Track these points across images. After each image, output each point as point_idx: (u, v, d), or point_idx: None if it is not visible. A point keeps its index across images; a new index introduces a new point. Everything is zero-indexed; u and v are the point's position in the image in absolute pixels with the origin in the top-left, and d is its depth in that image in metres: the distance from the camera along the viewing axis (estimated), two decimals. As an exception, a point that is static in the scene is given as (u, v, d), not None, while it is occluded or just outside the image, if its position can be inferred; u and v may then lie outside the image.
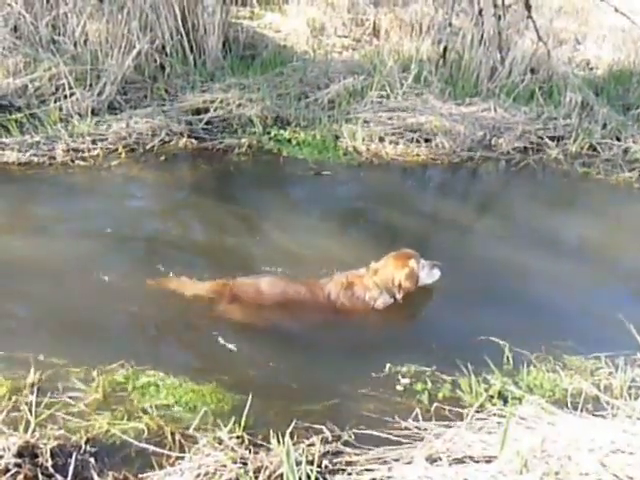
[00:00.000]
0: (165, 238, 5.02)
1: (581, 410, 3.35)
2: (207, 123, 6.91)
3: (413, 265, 4.21)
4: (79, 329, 3.89)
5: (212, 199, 5.77)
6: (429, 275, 4.35)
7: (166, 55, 7.73)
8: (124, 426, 3.22)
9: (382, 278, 4.21)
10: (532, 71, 8.07)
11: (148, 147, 6.45)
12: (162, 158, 6.34)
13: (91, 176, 6.00)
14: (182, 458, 2.99)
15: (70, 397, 3.36)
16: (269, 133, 6.87)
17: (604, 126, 7.29)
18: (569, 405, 3.47)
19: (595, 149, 7.05)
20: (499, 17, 7.95)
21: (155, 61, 7.62)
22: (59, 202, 5.51)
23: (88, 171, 6.06)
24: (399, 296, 4.22)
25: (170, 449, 3.10)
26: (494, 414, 3.34)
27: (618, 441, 2.96)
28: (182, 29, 7.73)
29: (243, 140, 6.67)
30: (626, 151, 6.98)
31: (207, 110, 7.04)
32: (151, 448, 3.08)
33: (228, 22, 8.41)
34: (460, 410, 3.41)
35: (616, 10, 7.94)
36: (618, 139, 7.17)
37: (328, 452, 3.08)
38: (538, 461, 2.81)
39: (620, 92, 8.05)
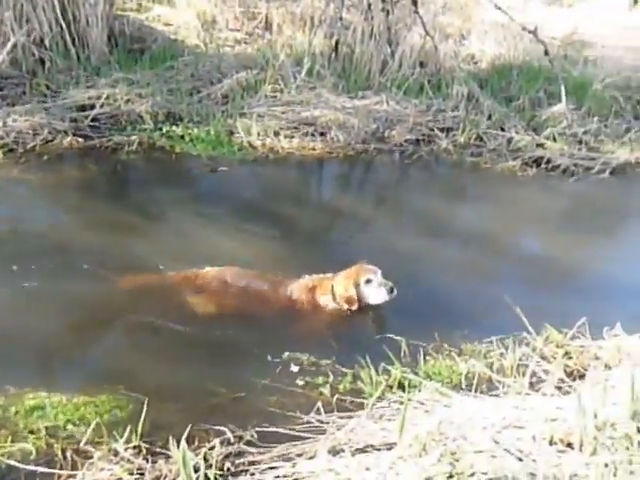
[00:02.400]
0: (51, 244, 4.72)
1: (475, 391, 3.47)
2: (94, 120, 6.61)
3: (358, 281, 4.14)
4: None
5: (101, 200, 5.50)
6: (375, 295, 4.16)
7: (45, 48, 7.32)
8: (8, 449, 2.98)
9: (336, 286, 4.19)
10: (421, 65, 8.32)
11: (29, 147, 6.08)
12: (45, 158, 5.99)
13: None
14: (74, 476, 2.82)
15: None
16: (161, 129, 6.67)
17: (489, 117, 7.63)
18: (464, 388, 3.58)
19: (482, 139, 7.37)
20: (387, 12, 8.13)
21: (33, 55, 7.21)
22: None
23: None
24: (346, 306, 4.17)
25: (62, 468, 2.91)
26: (394, 402, 3.39)
27: (509, 417, 3.09)
28: (62, 21, 7.34)
29: (133, 137, 6.43)
30: (510, 141, 7.34)
31: (93, 106, 6.74)
32: (40, 469, 2.88)
33: (113, 14, 8.08)
34: (361, 401, 3.43)
35: (496, 7, 8.31)
36: (502, 129, 7.52)
37: (230, 453, 3.00)
38: (436, 443, 2.88)
39: (503, 85, 8.44)
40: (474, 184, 6.65)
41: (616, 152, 7.26)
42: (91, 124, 6.56)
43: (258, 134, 6.73)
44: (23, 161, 5.90)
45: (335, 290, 4.18)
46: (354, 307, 4.15)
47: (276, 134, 6.83)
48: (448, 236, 5.33)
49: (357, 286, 4.13)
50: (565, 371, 3.73)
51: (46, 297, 4.13)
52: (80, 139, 6.32)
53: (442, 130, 7.40)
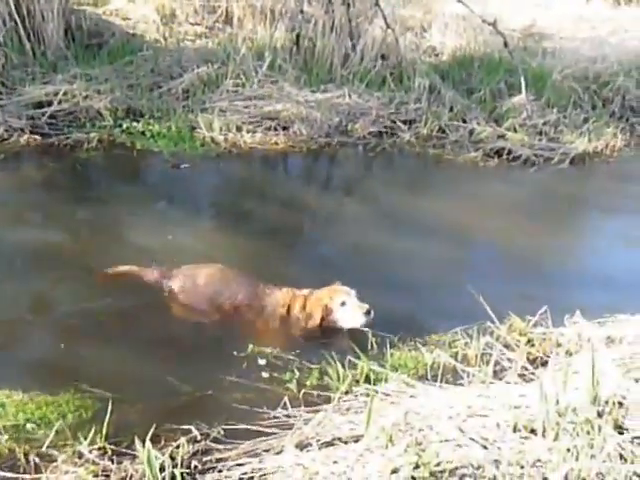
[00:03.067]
0: (10, 243, 4.61)
1: (440, 381, 3.50)
2: (51, 117, 6.48)
3: (331, 304, 3.95)
4: None
5: (61, 199, 5.39)
6: (350, 319, 3.94)
7: (-1, 45, 7.11)
8: (-35, 455, 2.92)
9: (308, 305, 4.00)
10: (383, 57, 8.33)
11: (-16, 145, 5.92)
12: (1, 157, 5.84)
13: None
14: (38, 480, 2.77)
15: None
16: (121, 126, 6.57)
17: (451, 109, 7.70)
18: (430, 378, 3.61)
19: (444, 131, 7.43)
20: (348, 5, 8.12)
21: (-13, 51, 6.99)
22: None
23: None
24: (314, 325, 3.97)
25: (25, 472, 2.85)
26: (361, 394, 3.39)
27: (474, 406, 3.13)
28: (16, 15, 7.14)
29: (92, 134, 6.31)
30: (471, 132, 7.42)
31: (50, 103, 6.59)
32: (3, 474, 2.82)
33: (69, 8, 7.90)
34: (328, 394, 3.43)
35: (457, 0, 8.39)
36: (464, 121, 7.60)
37: (198, 451, 2.98)
38: (402, 434, 2.91)
39: (464, 77, 8.50)
40: (437, 176, 6.71)
41: (575, 142, 7.39)
42: (49, 121, 6.42)
43: (220, 129, 6.67)
44: (-21, 160, 5.75)
45: (305, 310, 3.99)
46: (315, 327, 3.96)
47: (238, 129, 6.78)
48: (412, 228, 5.36)
49: (328, 310, 3.93)
50: (528, 359, 3.80)
51: (8, 294, 4.05)
52: (37, 137, 6.19)
53: (405, 122, 7.44)
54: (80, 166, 5.94)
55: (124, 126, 6.56)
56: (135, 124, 6.60)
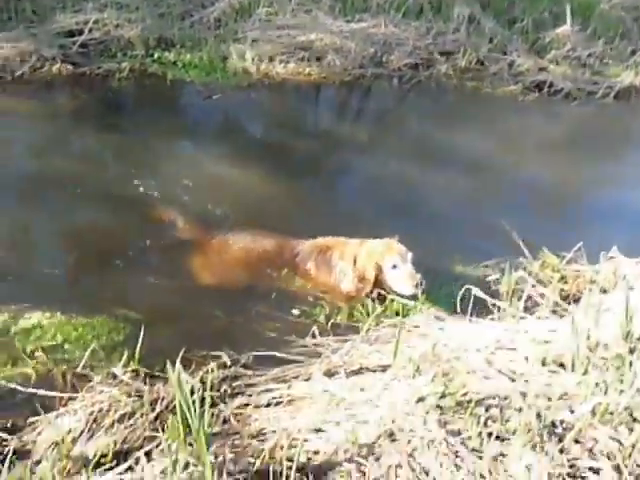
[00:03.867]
0: (46, 175, 4.66)
1: (470, 315, 3.48)
2: (82, 46, 6.40)
3: (381, 263, 3.60)
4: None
5: (95, 129, 5.38)
6: (399, 285, 3.60)
7: (29, -28, 6.98)
8: (9, 372, 3.03)
9: (358, 259, 3.65)
10: (421, -15, 7.97)
11: (17, 74, 5.92)
12: (34, 86, 5.83)
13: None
14: (75, 398, 2.87)
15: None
16: (152, 56, 6.48)
17: (491, 40, 7.40)
18: (460, 312, 3.58)
19: (483, 63, 7.17)
20: None
21: (17, -21, 6.87)
22: None
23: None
24: (360, 286, 3.65)
25: (62, 391, 2.96)
26: (389, 326, 3.41)
27: (503, 339, 3.12)
28: (46, -59, 6.97)
29: (124, 64, 6.25)
30: (511, 64, 7.14)
31: (81, 32, 6.50)
32: (41, 392, 2.93)
33: None
34: (357, 325, 3.46)
35: None
36: (504, 53, 7.31)
37: (227, 377, 3.04)
38: (430, 364, 2.92)
39: (505, 6, 8.12)
40: (474, 109, 6.49)
41: (620, 76, 7.08)
42: (80, 50, 6.35)
43: (252, 59, 6.53)
44: (12, 89, 5.75)
45: (356, 263, 3.65)
46: (367, 289, 3.66)
47: (271, 59, 6.63)
48: (447, 162, 5.26)
49: (379, 269, 3.61)
50: (560, 295, 3.74)
51: (44, 224, 4.13)
52: (69, 66, 6.14)
53: (442, 54, 7.18)
54: (112, 96, 5.91)
55: (156, 56, 6.48)
56: (167, 54, 6.51)
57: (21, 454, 2.55)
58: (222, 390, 2.93)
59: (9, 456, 2.44)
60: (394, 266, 3.58)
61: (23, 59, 6.04)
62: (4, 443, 2.60)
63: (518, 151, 5.63)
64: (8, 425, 2.74)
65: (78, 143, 5.20)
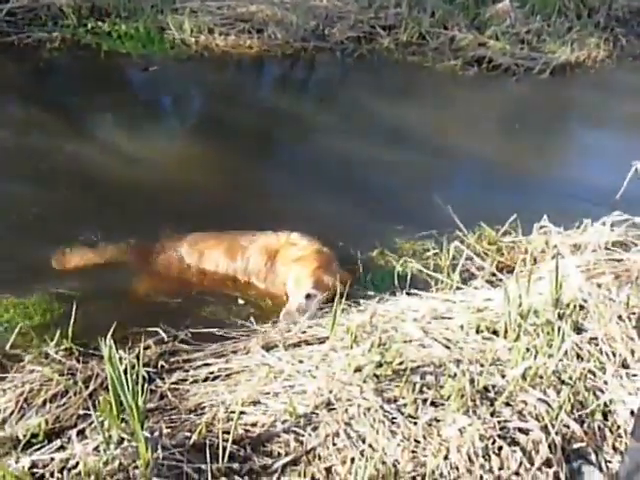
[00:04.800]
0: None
1: (408, 288, 3.52)
2: (9, 15, 6.11)
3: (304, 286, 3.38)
4: None
5: (23, 101, 5.20)
6: (291, 304, 3.37)
7: None
8: None
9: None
10: (362, -43, 7.90)
11: (-63, 43, 5.60)
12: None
13: None
14: (4, 379, 2.78)
15: None
16: (85, 26, 6.24)
17: (432, 15, 7.40)
18: (398, 286, 3.62)
19: (424, 38, 7.18)
20: None
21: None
22: None
23: None
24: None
25: (-10, 372, 2.86)
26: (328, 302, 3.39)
27: (439, 309, 3.19)
28: None
29: (55, 34, 6.00)
30: (452, 40, 7.18)
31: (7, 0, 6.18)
32: (-32, 373, 2.83)
33: None
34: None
35: None
36: (445, 28, 7.33)
37: (165, 352, 3.00)
38: (367, 335, 2.95)
39: (447, -19, 8.14)
40: (415, 83, 6.52)
41: (557, 52, 7.21)
42: (7, 19, 6.05)
43: (191, 31, 6.37)
44: None
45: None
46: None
47: (211, 31, 6.48)
48: (386, 135, 5.27)
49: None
50: (497, 267, 3.82)
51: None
52: (-5, 35, 5.85)
53: (384, 28, 7.16)
54: (43, 67, 5.67)
55: (89, 26, 6.24)
56: (100, 24, 6.27)
57: (-55, 438, 2.46)
58: (159, 366, 2.90)
59: None
60: (308, 295, 3.33)
61: (-55, 28, 5.72)
62: None
63: (457, 125, 5.68)
64: None
65: (7, 116, 4.96)
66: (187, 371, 2.88)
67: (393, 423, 2.54)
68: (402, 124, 5.61)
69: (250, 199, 4.26)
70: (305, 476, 2.37)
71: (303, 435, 2.51)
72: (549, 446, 2.49)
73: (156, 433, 2.39)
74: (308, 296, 3.33)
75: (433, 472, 2.37)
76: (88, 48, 6.02)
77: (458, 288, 3.48)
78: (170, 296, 3.44)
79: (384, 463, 2.40)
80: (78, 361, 2.84)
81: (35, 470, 2.24)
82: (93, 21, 6.29)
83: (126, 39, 6.20)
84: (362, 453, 2.42)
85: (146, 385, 2.55)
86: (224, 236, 3.74)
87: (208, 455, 2.33)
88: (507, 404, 2.65)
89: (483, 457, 2.43)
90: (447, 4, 7.65)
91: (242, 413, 2.57)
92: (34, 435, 2.45)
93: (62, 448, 2.35)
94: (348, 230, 4.10)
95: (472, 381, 2.68)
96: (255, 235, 3.71)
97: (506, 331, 2.97)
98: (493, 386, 2.71)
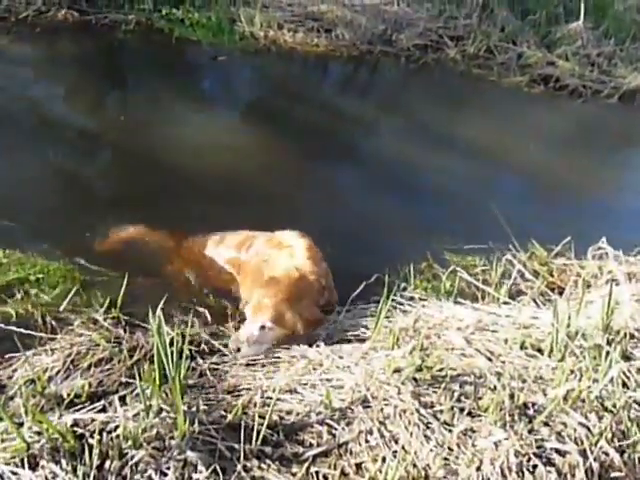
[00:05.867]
0: (39, 118, 4.63)
1: (455, 297, 3.48)
2: (90, -5, 6.30)
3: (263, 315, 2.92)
4: None
5: (97, 78, 5.35)
6: (242, 331, 2.92)
7: None
8: (-11, 310, 3.03)
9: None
10: (438, -33, 7.88)
11: (21, 16, 5.84)
12: (38, 30, 5.75)
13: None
14: (53, 339, 2.87)
15: None
16: (160, 11, 6.40)
17: (502, 29, 7.35)
18: (444, 293, 3.59)
19: (491, 52, 7.12)
20: None
21: None
22: None
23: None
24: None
25: (42, 332, 2.96)
26: (373, 301, 3.38)
27: (484, 321, 3.14)
28: None
29: (131, 16, 6.18)
30: (520, 55, 7.10)
31: (90, -21, 6.40)
32: (20, 331, 2.92)
33: None
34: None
35: None
36: (514, 43, 7.26)
37: (208, 333, 3.06)
38: (409, 338, 2.94)
39: (520, -4, 8.05)
40: (478, 96, 6.47)
41: (628, 77, 7.05)
42: (87, -1, 6.26)
43: (261, 25, 6.47)
44: (15, 31, 5.68)
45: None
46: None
47: (280, 27, 6.57)
48: (446, 146, 5.25)
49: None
50: (546, 287, 3.75)
51: (36, 168, 4.10)
52: (75, 13, 6.07)
53: (452, 38, 7.13)
54: (116, 47, 5.85)
55: (163, 12, 6.40)
56: (175, 10, 6.44)
57: (-4, 388, 2.56)
58: (201, 345, 2.95)
59: (-17, 388, 2.44)
60: (262, 327, 2.89)
61: (29, 1, 5.94)
62: (-21, 376, 2.60)
63: (517, 142, 5.61)
64: (-15, 359, 2.74)
65: (76, 91, 5.13)
66: (226, 355, 2.92)
67: (428, 428, 2.52)
68: (461, 135, 5.57)
69: (304, 196, 4.31)
70: (335, 469, 2.37)
71: (336, 428, 2.51)
72: (586, 471, 2.43)
73: (194, 408, 2.43)
74: (262, 328, 2.88)
75: (464, 481, 2.34)
76: (161, 33, 6.18)
77: (505, 303, 3.43)
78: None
79: (415, 466, 2.38)
80: (124, 330, 2.91)
81: (76, 429, 2.30)
82: (168, 7, 6.45)
83: (198, 27, 6.34)
84: (394, 454, 2.41)
85: (188, 361, 2.60)
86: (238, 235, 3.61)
87: (242, 436, 2.36)
88: (546, 424, 2.59)
89: (517, 473, 2.38)
90: (518, 20, 7.57)
91: (278, 400, 2.59)
92: (77, 396, 2.52)
93: (103, 411, 2.41)
94: (395, 235, 4.11)
95: (512, 396, 2.64)
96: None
97: (551, 350, 2.91)
98: (533, 404, 2.65)
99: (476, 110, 6.11)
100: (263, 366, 2.85)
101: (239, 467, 2.28)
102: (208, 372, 2.77)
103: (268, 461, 2.33)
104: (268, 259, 3.25)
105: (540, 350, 2.95)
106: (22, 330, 2.90)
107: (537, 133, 5.77)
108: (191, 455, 2.24)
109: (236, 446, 2.34)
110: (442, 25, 7.22)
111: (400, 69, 6.70)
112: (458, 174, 4.92)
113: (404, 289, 3.50)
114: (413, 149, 5.15)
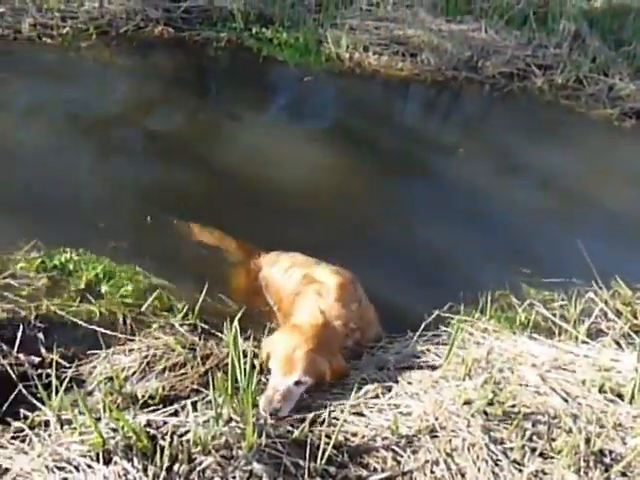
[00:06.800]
0: (137, 130, 4.87)
1: (530, 332, 3.39)
2: (186, 12, 6.57)
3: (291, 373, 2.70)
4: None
5: (189, 93, 5.60)
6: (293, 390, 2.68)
7: None
8: (76, 308, 3.18)
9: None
10: (529, -6, 7.77)
11: (121, 31, 6.16)
12: (135, 44, 6.06)
13: (59, 56, 5.75)
14: (132, 340, 2.99)
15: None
16: (250, 30, 6.59)
17: (593, 60, 7.12)
18: (519, 327, 3.50)
19: (581, 82, 6.90)
20: None
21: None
22: (24, 82, 5.24)
23: (56, 50, 5.79)
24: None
25: (121, 332, 3.08)
26: (445, 331, 3.33)
27: (561, 359, 3.03)
28: None
29: (222, 34, 6.39)
30: (611, 88, 6.85)
31: (186, -2, 6.69)
32: (102, 330, 3.06)
33: None
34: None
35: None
36: (605, 74, 7.01)
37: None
38: (482, 370, 2.87)
39: (615, 27, 7.79)
40: (564, 128, 6.27)
41: None
42: (183, 16, 6.53)
43: (347, 47, 6.54)
44: (115, 44, 6.00)
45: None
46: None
47: (365, 49, 6.62)
48: (529, 177, 5.14)
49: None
50: (629, 328, 3.59)
51: (123, 176, 4.29)
52: (171, 29, 6.34)
53: (540, 67, 6.96)
54: (207, 63, 6.08)
55: (253, 30, 6.59)
56: (264, 30, 6.60)
57: (76, 382, 2.67)
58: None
59: (65, 382, 2.55)
60: (297, 382, 2.68)
61: (129, 17, 6.27)
62: (62, 370, 2.73)
63: (604, 178, 5.40)
64: (69, 354, 2.88)
65: (169, 103, 5.36)
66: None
67: (497, 465, 2.45)
68: (544, 167, 5.42)
69: (374, 218, 4.33)
70: (398, 496, 2.34)
71: (402, 455, 2.48)
72: (663, 528, 2.30)
73: (262, 420, 2.46)
74: (298, 383, 2.69)
75: (533, 525, 2.26)
76: (249, 51, 6.36)
77: (584, 342, 3.30)
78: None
79: (481, 503, 2.32)
80: (199, 338, 2.99)
81: (149, 429, 2.37)
82: (258, 27, 6.63)
83: (285, 47, 6.49)
84: (461, 487, 2.35)
85: (259, 375, 2.64)
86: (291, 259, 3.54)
87: (307, 453, 2.36)
88: (623, 474, 2.47)
89: (589, 522, 2.28)
90: (612, 50, 7.33)
91: (345, 421, 2.58)
92: (151, 397, 2.61)
93: (175, 415, 2.47)
94: (471, 264, 4.05)
95: (588, 441, 2.53)
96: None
97: (633, 397, 2.78)
98: (610, 451, 2.54)
99: (562, 142, 5.93)
100: (332, 386, 2.86)
101: (303, 484, 2.29)
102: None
103: (331, 481, 2.33)
104: (300, 293, 3.20)
105: (620, 395, 2.82)
106: (104, 330, 3.03)
107: (625, 169, 5.56)
108: (257, 467, 2.27)
109: (301, 462, 2.35)
110: (530, 53, 7.06)
111: (484, 96, 6.60)
112: (539, 206, 4.80)
113: (478, 319, 3.45)
114: (492, 178, 5.07)
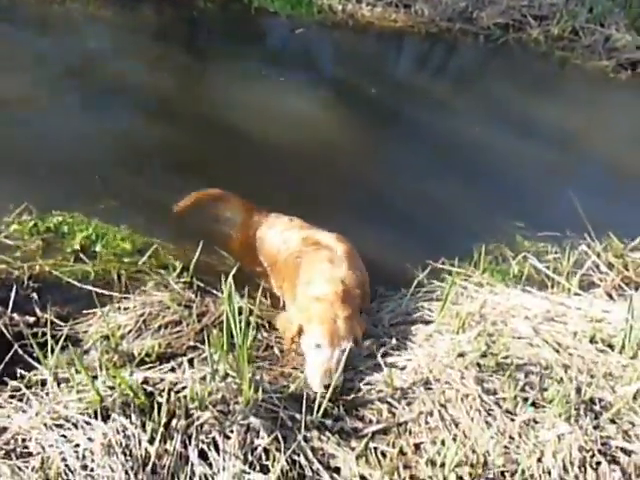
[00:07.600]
0: (124, 85, 4.75)
1: (523, 284, 3.41)
2: (173, -38, 6.37)
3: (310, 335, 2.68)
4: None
5: (179, 48, 5.46)
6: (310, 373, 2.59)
7: None
8: (70, 268, 3.17)
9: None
10: (525, -59, 7.56)
11: (107, -17, 5.96)
12: (121, -2, 5.89)
13: (43, 10, 5.57)
14: (127, 299, 2.99)
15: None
16: (240, -19, 6.41)
17: (590, 10, 6.98)
18: (513, 279, 3.53)
19: (577, 33, 6.78)
20: None
21: None
22: (6, 36, 5.10)
23: (40, 4, 5.61)
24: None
25: (117, 291, 3.08)
26: (438, 286, 3.34)
27: (553, 311, 3.07)
28: None
29: (213, -15, 6.22)
30: (607, 38, 6.74)
31: (172, -52, 6.46)
32: (97, 290, 3.05)
33: None
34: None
35: None
36: (602, 25, 6.89)
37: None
38: (475, 324, 2.90)
39: (613, -25, 7.63)
40: (559, 80, 6.20)
41: None
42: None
43: (339, -2, 6.40)
44: (98, -2, 5.83)
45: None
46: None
47: (358, 0, 6.47)
48: (524, 130, 5.07)
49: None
50: (621, 280, 3.62)
51: (111, 133, 4.21)
52: (158, -19, 6.15)
53: (535, 18, 6.83)
54: (196, 16, 5.92)
55: (244, -18, 6.41)
56: (255, -19, 6.43)
57: (72, 341, 2.69)
58: (267, 320, 3.00)
59: (61, 341, 2.56)
60: (318, 345, 2.63)
61: (114, -31, 6.06)
62: (58, 329, 2.73)
63: (599, 129, 5.37)
64: (64, 314, 2.88)
65: (159, 58, 5.23)
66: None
67: (489, 415, 2.50)
68: (538, 118, 5.37)
69: (367, 172, 4.29)
70: (394, 447, 2.39)
71: (397, 407, 2.52)
72: (652, 473, 2.37)
73: (258, 376, 2.49)
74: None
75: (524, 472, 2.32)
76: (240, 3, 6.19)
77: (576, 294, 3.34)
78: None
79: (474, 452, 2.38)
80: (195, 295, 3.00)
81: (146, 386, 2.40)
82: (248, -23, 6.45)
83: (277, -1, 6.34)
84: (454, 437, 2.40)
85: (255, 332, 2.66)
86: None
87: (304, 406, 2.40)
88: (613, 421, 2.53)
89: (579, 468, 2.35)
90: (608, 0, 7.19)
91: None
92: (147, 355, 2.63)
93: (172, 371, 2.50)
94: (466, 217, 4.05)
95: (579, 390, 2.58)
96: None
97: (623, 347, 2.82)
98: (600, 400, 2.59)
99: (557, 94, 5.86)
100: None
101: (299, 437, 2.33)
102: (274, 345, 2.83)
103: (328, 434, 2.38)
104: (302, 257, 3.10)
105: (611, 346, 2.87)
106: (98, 289, 3.03)
107: (621, 121, 5.52)
108: (254, 421, 2.31)
109: (297, 416, 2.39)
110: (526, 4, 6.91)
111: (479, 48, 6.49)
112: (534, 159, 4.77)
113: (472, 272, 3.47)
114: (487, 130, 5.01)
